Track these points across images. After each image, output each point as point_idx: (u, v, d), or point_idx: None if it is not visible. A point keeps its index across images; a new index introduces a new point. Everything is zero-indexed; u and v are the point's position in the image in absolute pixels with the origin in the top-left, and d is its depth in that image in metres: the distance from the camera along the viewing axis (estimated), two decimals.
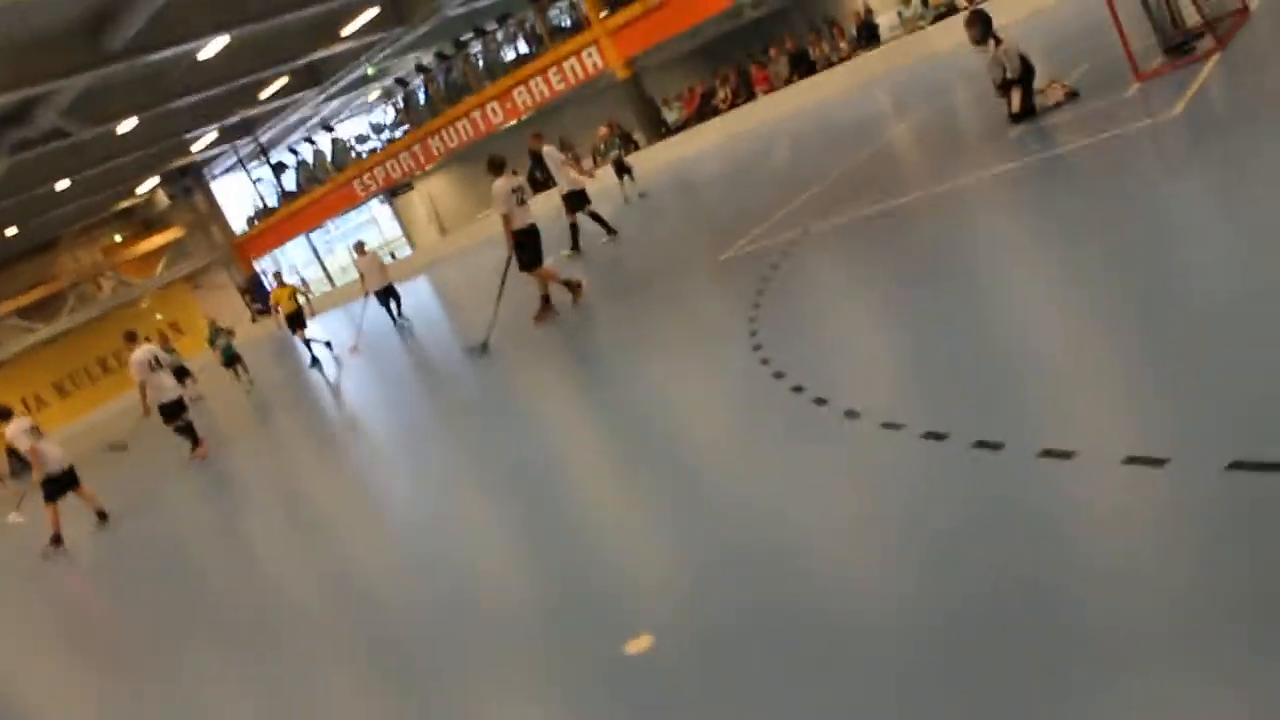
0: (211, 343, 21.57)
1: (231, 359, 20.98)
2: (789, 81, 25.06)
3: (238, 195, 43.05)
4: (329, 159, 36.50)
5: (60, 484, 12.10)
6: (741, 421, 6.07)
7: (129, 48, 19.02)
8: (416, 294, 23.71)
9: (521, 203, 11.38)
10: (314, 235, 41.75)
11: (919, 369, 5.67)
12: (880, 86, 20.88)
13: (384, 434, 11.07)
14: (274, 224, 39.50)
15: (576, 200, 15.38)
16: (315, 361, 17.68)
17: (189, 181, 40.05)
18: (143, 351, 13.69)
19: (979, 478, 4.03)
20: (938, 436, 4.45)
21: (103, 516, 12.25)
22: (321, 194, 36.57)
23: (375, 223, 44.41)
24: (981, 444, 4.19)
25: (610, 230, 15.43)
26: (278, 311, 19.12)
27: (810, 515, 4.43)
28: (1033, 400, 4.58)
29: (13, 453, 28.86)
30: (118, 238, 41.14)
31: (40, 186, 27.97)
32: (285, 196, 38.35)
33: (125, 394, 36.15)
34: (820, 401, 5.51)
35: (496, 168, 11.41)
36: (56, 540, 11.91)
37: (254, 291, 40.88)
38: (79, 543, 12.00)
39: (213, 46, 22.11)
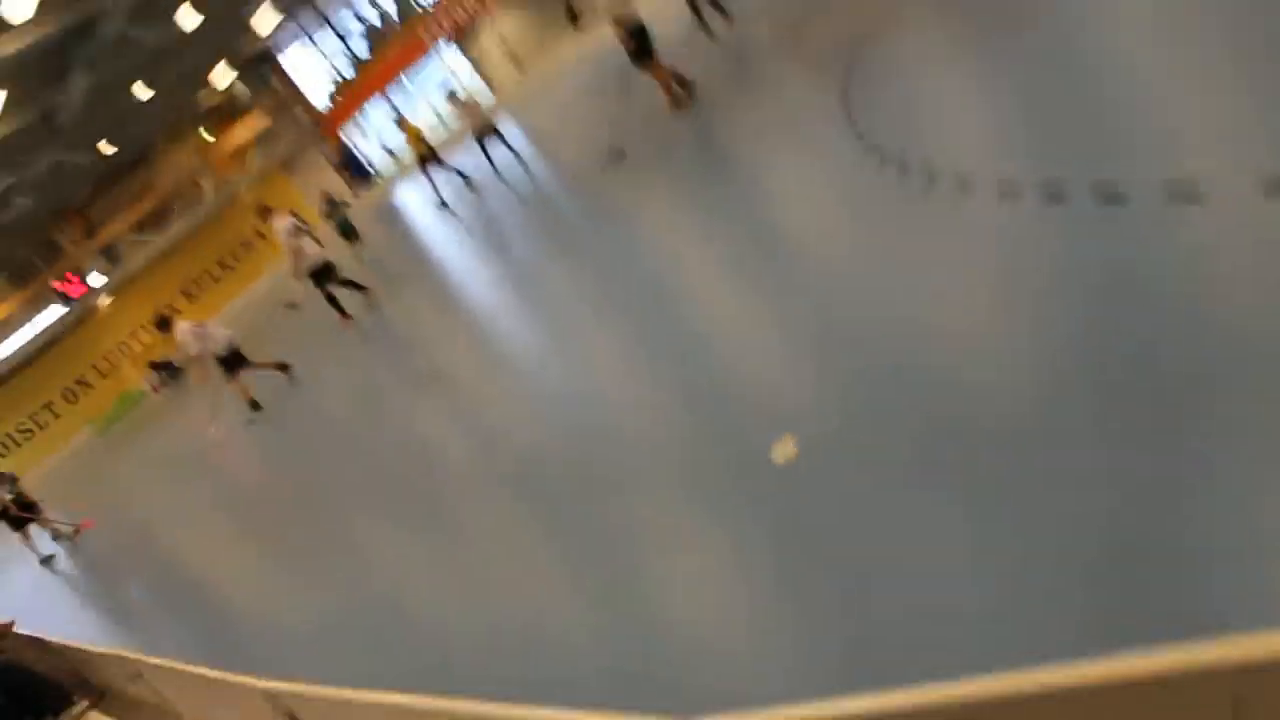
0: (328, 217, 21.72)
1: (348, 230, 20.94)
2: None
3: (315, 71, 42.87)
4: (394, 15, 35.97)
5: (231, 363, 12.85)
6: (857, 213, 5.86)
7: None
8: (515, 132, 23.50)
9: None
10: (395, 96, 41.42)
11: (1029, 127, 5.30)
12: None
13: (518, 269, 11.06)
14: (353, 93, 39.35)
15: None
16: (444, 203, 17.49)
17: (264, 68, 39.97)
18: (284, 220, 13.89)
19: (1109, 235, 3.80)
20: (1059, 199, 4.20)
21: (255, 406, 12.88)
22: (393, 52, 36.10)
23: (453, 73, 43.69)
24: (1108, 198, 3.94)
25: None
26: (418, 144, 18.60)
27: (939, 305, 4.27)
28: (1151, 142, 4.27)
29: (162, 365, 30.09)
30: (208, 137, 41.65)
31: (123, 98, 28.32)
32: (361, 62, 38.06)
33: (250, 285, 37.55)
34: (932, 178, 5.28)
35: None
36: (255, 405, 12.85)
37: (350, 164, 41.10)
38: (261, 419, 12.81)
39: None
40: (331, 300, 13.97)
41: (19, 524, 15.11)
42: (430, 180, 18.16)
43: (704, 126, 10.39)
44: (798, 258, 6.00)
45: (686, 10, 14.34)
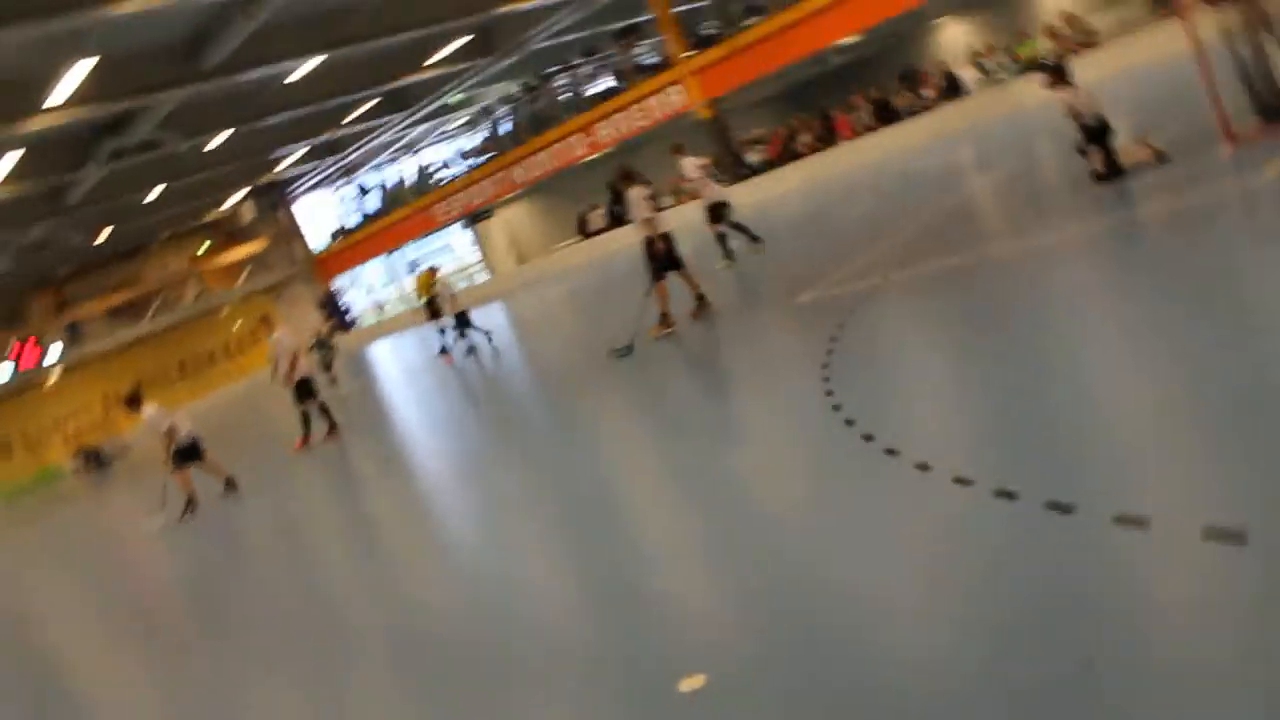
0: (313, 348, 21.49)
1: (328, 366, 21.11)
2: (871, 129, 24.98)
3: (320, 212, 43.99)
4: (412, 183, 37.20)
5: (187, 455, 12.94)
6: (812, 468, 6.02)
7: (224, 66, 19.52)
8: (502, 315, 23.95)
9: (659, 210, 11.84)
10: (391, 258, 42.42)
11: (992, 425, 5.56)
12: (964, 138, 20.69)
13: (474, 446, 11.14)
14: (354, 243, 40.32)
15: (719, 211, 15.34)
16: (472, 349, 17.68)
17: (275, 197, 40.90)
18: (287, 332, 14.73)
19: (1049, 541, 3.93)
20: (1009, 495, 4.36)
21: (230, 484, 13.09)
22: (402, 216, 37.23)
23: (451, 249, 44.99)
24: (1054, 505, 4.10)
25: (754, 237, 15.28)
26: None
27: (874, 571, 4.34)
28: (1106, 464, 4.45)
29: (92, 453, 29.67)
30: (204, 247, 42.18)
31: (134, 194, 28.79)
32: (367, 218, 39.19)
33: (206, 395, 37.33)
34: (891, 452, 5.44)
35: (629, 178, 11.96)
36: (190, 502, 12.82)
37: (330, 306, 41.69)
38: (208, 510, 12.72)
39: (303, 69, 22.65)
40: (305, 419, 14.42)
41: None
42: (441, 330, 18.70)
43: (699, 346, 10.73)
44: (748, 496, 6.08)
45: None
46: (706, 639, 4.38)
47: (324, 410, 14.45)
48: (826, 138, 26.29)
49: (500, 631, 5.33)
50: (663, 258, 11.58)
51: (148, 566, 12.09)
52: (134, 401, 13.21)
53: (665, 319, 11.68)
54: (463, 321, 17.55)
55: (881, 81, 26.41)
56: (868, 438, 5.81)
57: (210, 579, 9.65)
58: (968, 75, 24.34)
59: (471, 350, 17.53)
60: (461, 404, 14.23)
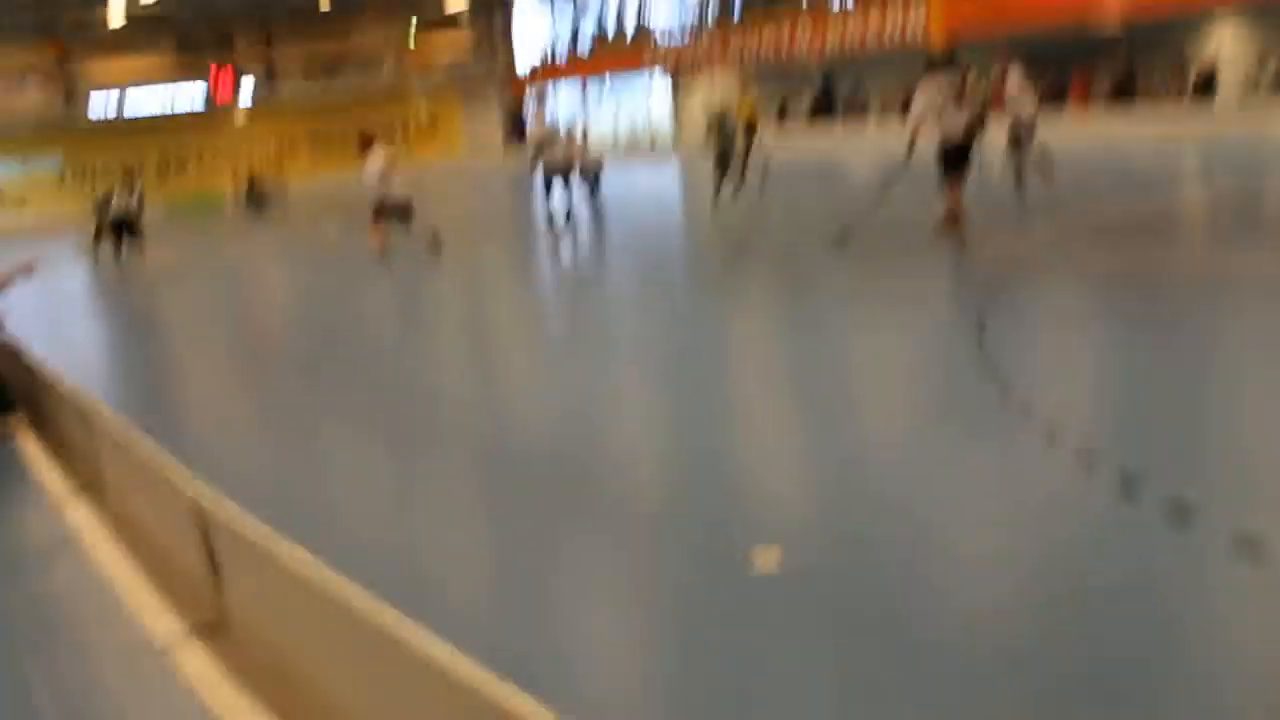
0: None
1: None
2: (1107, 102, 23.50)
3: (532, 30, 43.73)
4: (629, 25, 36.64)
5: (400, 213, 13.68)
6: (942, 402, 5.97)
7: None
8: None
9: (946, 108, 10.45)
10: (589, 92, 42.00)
11: (1140, 414, 5.34)
12: (1199, 144, 19.29)
13: (599, 289, 11.10)
14: (553, 67, 40.24)
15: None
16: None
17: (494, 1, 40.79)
18: (377, 156, 14.06)
19: (1156, 545, 3.79)
20: (1130, 484, 4.21)
21: (436, 242, 13.91)
22: (611, 52, 36.92)
23: (650, 93, 44.00)
24: (1175, 507, 3.93)
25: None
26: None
27: (965, 528, 4.26)
28: (1247, 480, 4.16)
29: (256, 191, 31.07)
30: (413, 25, 42.42)
31: None
32: (573, 46, 38.91)
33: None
34: (1025, 412, 5.31)
35: (942, 62, 10.74)
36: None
37: (515, 120, 41.76)
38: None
39: None
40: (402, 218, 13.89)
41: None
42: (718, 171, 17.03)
43: (910, 259, 10.46)
44: (865, 409, 6.11)
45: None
46: (781, 519, 4.46)
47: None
48: (1056, 98, 24.73)
49: (592, 466, 5.46)
50: (954, 154, 10.39)
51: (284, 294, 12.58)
52: (366, 143, 13.89)
53: (952, 217, 10.58)
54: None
55: (1132, 61, 24.70)
56: (1004, 388, 5.74)
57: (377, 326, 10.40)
58: (1229, 80, 22.58)
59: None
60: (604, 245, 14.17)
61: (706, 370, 7.33)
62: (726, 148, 16.88)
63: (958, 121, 10.36)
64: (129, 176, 19.03)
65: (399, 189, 13.50)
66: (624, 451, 5.69)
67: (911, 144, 10.46)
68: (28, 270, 8.48)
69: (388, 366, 8.64)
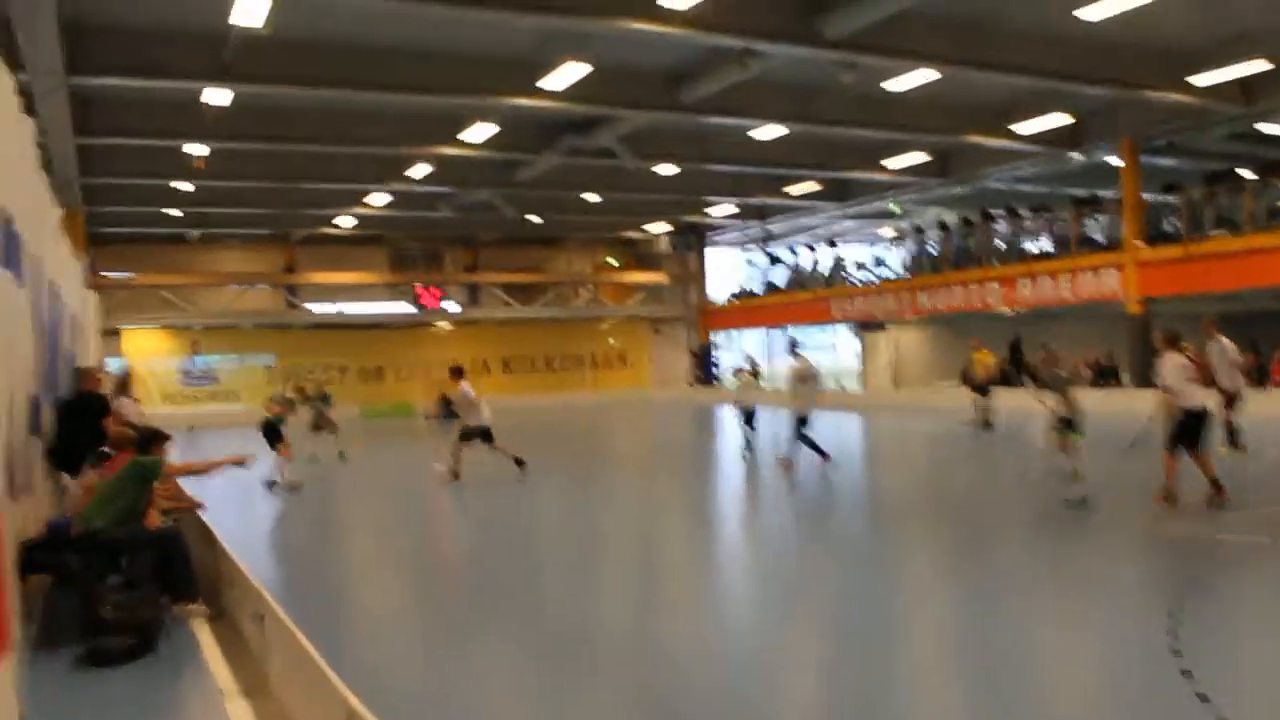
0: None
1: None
2: None
3: (725, 267, 45.19)
4: (822, 271, 37.27)
5: (481, 436, 15.35)
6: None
7: (697, 104, 20.25)
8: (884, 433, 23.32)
9: (1191, 381, 10.89)
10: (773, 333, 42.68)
11: None
12: None
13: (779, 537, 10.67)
14: (746, 307, 41.14)
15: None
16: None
17: (690, 239, 42.38)
18: (468, 387, 15.58)
19: None
20: None
21: (520, 464, 15.49)
22: (801, 299, 37.44)
23: (835, 348, 44.56)
24: None
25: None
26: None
27: None
28: None
29: (448, 403, 32.65)
30: (611, 260, 44.43)
31: (572, 191, 30.70)
32: (768, 288, 39.77)
33: (556, 394, 39.36)
34: None
35: (1172, 341, 11.06)
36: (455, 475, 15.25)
37: (702, 359, 42.70)
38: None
39: (769, 131, 23.16)
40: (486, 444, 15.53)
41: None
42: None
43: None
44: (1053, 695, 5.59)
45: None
46: None
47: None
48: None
49: None
50: (1189, 430, 10.67)
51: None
52: (458, 373, 15.84)
53: (1168, 493, 10.82)
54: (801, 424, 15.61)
55: None
56: (1203, 698, 5.10)
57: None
58: None
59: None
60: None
61: (871, 640, 6.75)
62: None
63: (1198, 395, 10.82)
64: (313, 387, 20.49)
65: (485, 415, 15.32)
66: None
67: (1167, 412, 10.80)
68: (241, 462, 8.99)
69: (555, 588, 8.52)
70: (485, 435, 15.31)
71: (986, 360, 21.63)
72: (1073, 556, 9.28)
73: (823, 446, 15.31)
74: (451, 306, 40.34)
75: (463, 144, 23.08)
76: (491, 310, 41.12)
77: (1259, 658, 6.22)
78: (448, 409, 32.24)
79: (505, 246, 41.80)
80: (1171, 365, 10.76)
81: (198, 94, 18.26)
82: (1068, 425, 11.94)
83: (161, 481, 8.31)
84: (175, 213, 30.84)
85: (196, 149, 23.18)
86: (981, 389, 21.37)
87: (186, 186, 26.60)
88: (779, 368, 34.26)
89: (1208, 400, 11.14)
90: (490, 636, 7.21)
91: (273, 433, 15.96)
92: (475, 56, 18.40)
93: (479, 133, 22.33)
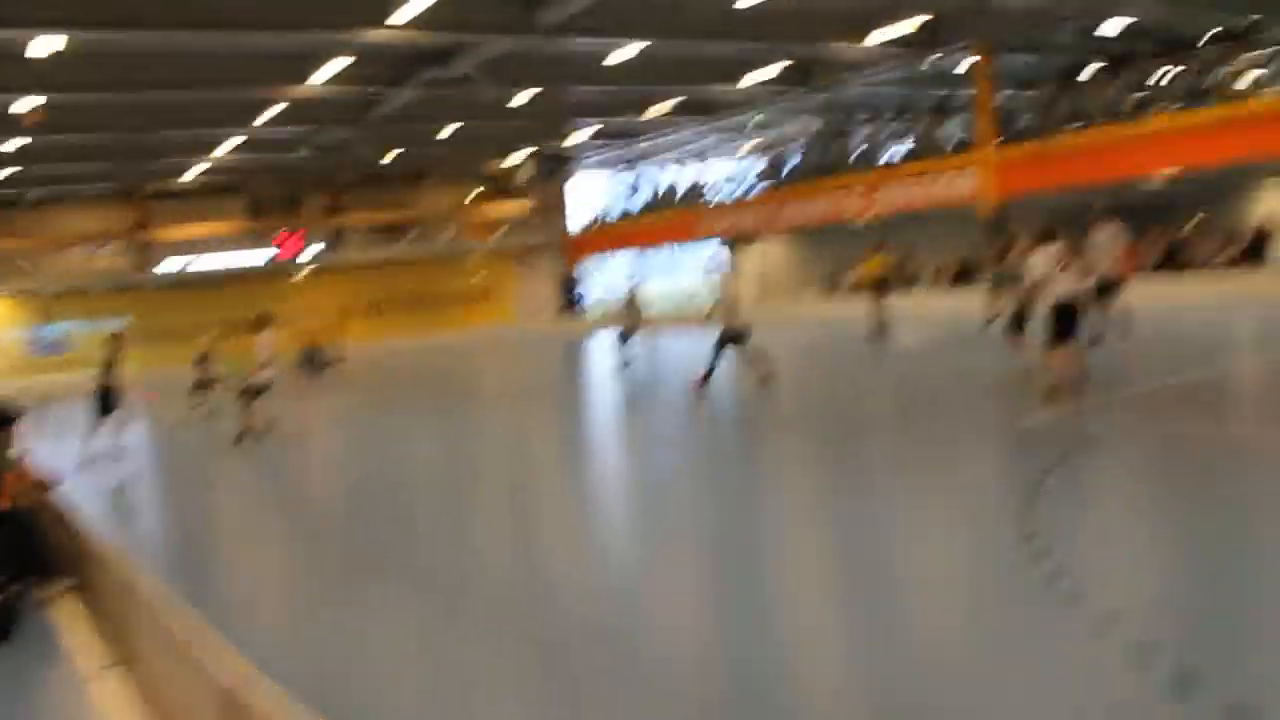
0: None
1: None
2: (1155, 268, 23.28)
3: (588, 193, 44.96)
4: (685, 190, 37.48)
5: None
6: (986, 585, 5.78)
7: (556, 27, 19.96)
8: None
9: (1065, 270, 10.75)
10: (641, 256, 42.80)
11: (1200, 607, 5.04)
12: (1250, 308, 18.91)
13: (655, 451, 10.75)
14: (610, 233, 41.24)
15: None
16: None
17: (553, 165, 41.91)
18: (268, 336, 15.04)
19: None
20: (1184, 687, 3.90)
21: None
22: (665, 220, 37.68)
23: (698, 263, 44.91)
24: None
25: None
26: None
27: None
28: None
29: (312, 352, 31.29)
30: (473, 194, 43.72)
31: (430, 125, 30.07)
32: (630, 212, 39.90)
33: (422, 335, 38.63)
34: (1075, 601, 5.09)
35: (1048, 235, 10.96)
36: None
37: (568, 287, 42.56)
38: None
39: (625, 53, 22.99)
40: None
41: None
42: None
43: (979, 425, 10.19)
44: (898, 587, 5.92)
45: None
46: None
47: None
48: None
49: (615, 639, 5.12)
50: (1066, 314, 10.61)
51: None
52: (261, 323, 14.69)
53: (1054, 392, 10.65)
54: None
55: (1181, 226, 24.57)
56: (1054, 575, 5.47)
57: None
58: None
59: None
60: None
61: (748, 534, 7.14)
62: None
63: (1068, 286, 10.71)
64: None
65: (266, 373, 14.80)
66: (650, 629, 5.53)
67: (1026, 305, 11.20)
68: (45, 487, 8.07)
69: (425, 530, 8.58)
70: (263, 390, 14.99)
71: (886, 261, 21.68)
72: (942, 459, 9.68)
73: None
74: (312, 251, 39.16)
75: (315, 85, 22.35)
76: (355, 254, 40.19)
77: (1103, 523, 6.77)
78: (312, 358, 31.42)
79: (368, 187, 40.67)
80: (1044, 256, 10.80)
81: (23, 44, 17.18)
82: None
83: (10, 471, 7.58)
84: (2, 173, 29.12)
85: (28, 102, 21.79)
86: (880, 288, 21.31)
87: (18, 142, 25.06)
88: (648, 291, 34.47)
89: (1079, 287, 11.03)
90: (371, 592, 7.05)
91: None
92: None
93: (331, 69, 21.65)
